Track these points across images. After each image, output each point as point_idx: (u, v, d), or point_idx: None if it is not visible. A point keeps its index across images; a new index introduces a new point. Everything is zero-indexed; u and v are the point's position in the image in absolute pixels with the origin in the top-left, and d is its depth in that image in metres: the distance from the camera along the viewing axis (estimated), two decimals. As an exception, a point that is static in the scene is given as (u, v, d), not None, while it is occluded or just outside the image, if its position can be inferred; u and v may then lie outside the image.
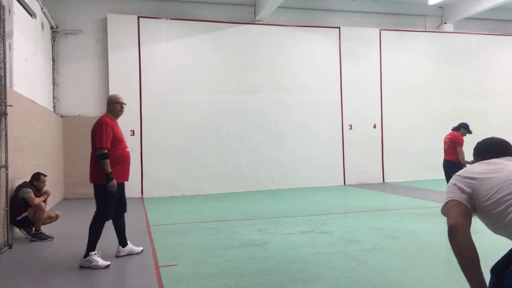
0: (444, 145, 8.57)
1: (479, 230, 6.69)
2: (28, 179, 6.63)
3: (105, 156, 4.81)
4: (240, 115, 12.49)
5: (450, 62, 14.48)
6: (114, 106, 5.15)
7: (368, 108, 13.58)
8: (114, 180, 4.82)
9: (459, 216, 2.06)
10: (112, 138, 4.94)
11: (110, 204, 4.95)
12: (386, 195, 11.01)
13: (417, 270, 4.65)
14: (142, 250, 5.45)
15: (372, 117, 13.68)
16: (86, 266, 4.79)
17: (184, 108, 12.03)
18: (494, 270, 2.01)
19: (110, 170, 4.81)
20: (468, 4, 13.58)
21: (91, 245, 4.85)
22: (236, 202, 10.22)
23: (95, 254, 4.86)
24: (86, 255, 4.83)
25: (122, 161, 5.05)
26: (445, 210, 2.16)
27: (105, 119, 5.00)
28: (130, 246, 5.37)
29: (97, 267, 4.75)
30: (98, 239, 4.94)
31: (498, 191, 2.01)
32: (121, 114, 5.22)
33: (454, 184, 2.18)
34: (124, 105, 5.21)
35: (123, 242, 5.32)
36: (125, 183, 5.25)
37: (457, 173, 2.24)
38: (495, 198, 2.01)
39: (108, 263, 4.89)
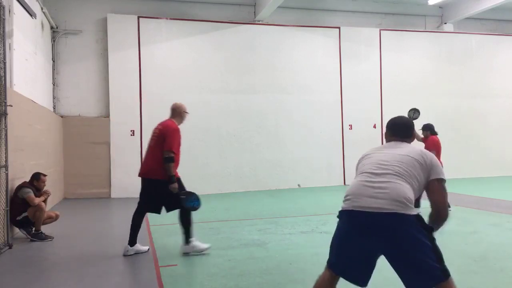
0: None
1: (479, 230, 6.71)
2: (28, 179, 6.62)
3: (172, 159, 5.12)
4: (240, 115, 12.49)
5: (450, 62, 14.48)
6: (184, 115, 5.65)
7: (368, 108, 13.57)
8: (176, 183, 5.17)
9: None
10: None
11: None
12: (386, 195, 11.00)
13: (417, 270, 4.64)
14: (149, 249, 5.47)
15: (372, 117, 13.67)
16: (191, 252, 5.19)
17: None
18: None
19: (174, 173, 5.13)
20: (468, 4, 13.58)
21: (190, 233, 5.24)
22: (236, 202, 10.22)
23: (195, 240, 5.26)
24: (188, 242, 5.20)
25: (178, 164, 5.39)
26: None
27: (177, 126, 5.41)
28: (138, 246, 5.37)
29: (201, 251, 5.22)
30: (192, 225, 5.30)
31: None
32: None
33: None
34: None
35: (133, 241, 5.32)
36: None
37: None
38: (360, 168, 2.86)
39: (207, 245, 5.32)
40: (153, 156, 5.25)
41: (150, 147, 5.35)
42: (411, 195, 2.57)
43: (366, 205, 2.55)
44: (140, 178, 5.37)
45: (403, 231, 2.48)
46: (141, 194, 5.37)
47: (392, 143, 2.96)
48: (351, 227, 2.63)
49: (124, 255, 5.22)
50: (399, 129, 3.03)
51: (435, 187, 2.67)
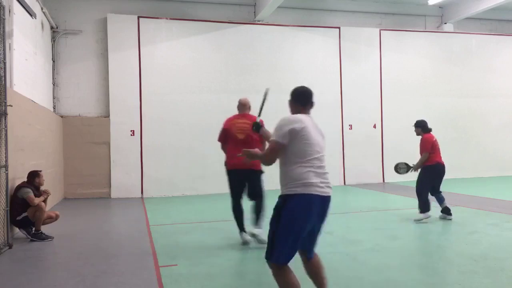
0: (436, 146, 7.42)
1: (479, 230, 6.68)
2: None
3: None
4: (240, 115, 12.46)
5: (450, 62, 14.47)
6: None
7: (368, 108, 13.56)
8: None
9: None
10: None
11: None
12: (386, 195, 11.01)
13: (417, 270, 4.65)
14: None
15: (372, 117, 13.67)
16: (259, 236, 5.46)
17: (184, 108, 12.02)
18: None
19: None
20: (468, 4, 13.57)
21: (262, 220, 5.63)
22: (236, 202, 10.19)
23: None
24: (259, 224, 5.61)
25: None
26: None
27: None
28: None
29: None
30: None
31: (309, 148, 3.07)
32: None
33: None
34: None
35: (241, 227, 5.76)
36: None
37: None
38: (305, 150, 3.06)
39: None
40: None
41: (241, 140, 5.86)
42: None
43: (326, 191, 3.09)
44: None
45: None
46: (235, 185, 5.99)
47: (310, 121, 3.20)
48: (317, 209, 3.06)
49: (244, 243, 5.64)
50: (309, 101, 3.38)
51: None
